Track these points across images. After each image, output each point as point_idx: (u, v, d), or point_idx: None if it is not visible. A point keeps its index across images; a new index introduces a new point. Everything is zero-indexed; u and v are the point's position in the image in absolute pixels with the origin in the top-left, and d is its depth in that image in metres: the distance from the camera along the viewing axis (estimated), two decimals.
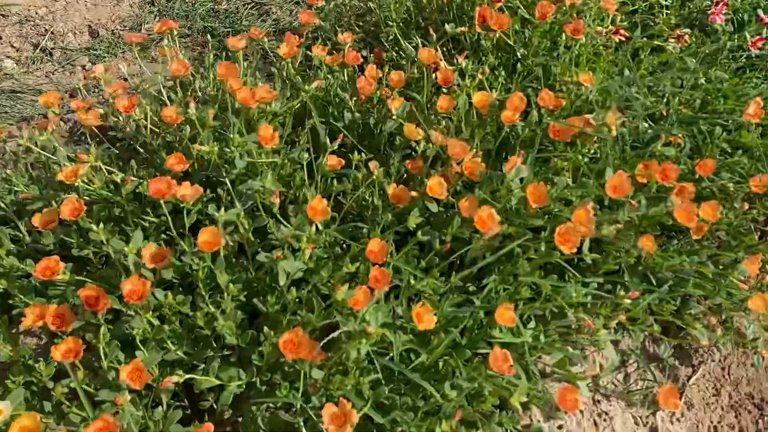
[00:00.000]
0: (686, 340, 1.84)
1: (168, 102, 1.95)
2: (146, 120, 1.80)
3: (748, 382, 1.88)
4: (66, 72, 2.80)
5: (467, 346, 1.54)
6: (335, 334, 1.28)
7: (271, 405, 1.43)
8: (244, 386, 1.43)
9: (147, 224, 1.69)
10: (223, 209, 1.44)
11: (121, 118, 1.87)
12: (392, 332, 1.43)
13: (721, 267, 1.83)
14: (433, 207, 1.62)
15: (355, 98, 1.90)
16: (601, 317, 1.62)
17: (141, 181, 1.62)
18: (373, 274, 1.39)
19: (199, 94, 2.05)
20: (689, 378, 1.86)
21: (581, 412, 1.67)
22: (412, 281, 1.44)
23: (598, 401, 1.71)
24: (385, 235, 1.59)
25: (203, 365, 1.46)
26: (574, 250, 1.49)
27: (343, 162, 1.73)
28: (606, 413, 1.69)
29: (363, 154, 1.77)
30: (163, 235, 1.72)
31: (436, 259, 1.62)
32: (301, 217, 1.48)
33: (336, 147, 1.66)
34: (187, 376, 1.30)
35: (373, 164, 1.63)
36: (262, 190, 1.51)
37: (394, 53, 2.37)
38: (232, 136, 1.56)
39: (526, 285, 1.66)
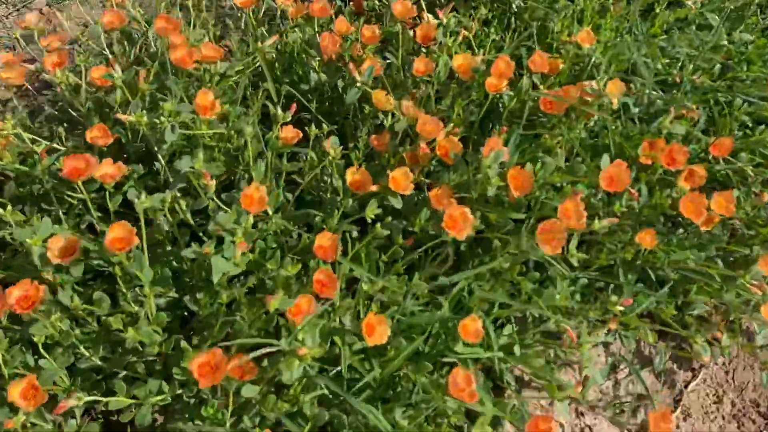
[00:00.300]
0: (685, 351, 1.63)
1: (110, 57, 1.71)
2: (81, 80, 1.56)
3: (754, 387, 1.68)
4: (22, 16, 2.54)
5: (429, 356, 1.34)
6: (257, 353, 1.07)
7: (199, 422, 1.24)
8: (170, 398, 1.24)
9: (75, 201, 1.48)
10: (144, 195, 1.22)
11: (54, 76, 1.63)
12: (341, 340, 1.24)
13: (732, 260, 1.61)
14: (397, 202, 1.39)
15: (319, 58, 1.65)
16: (586, 326, 1.41)
17: (63, 152, 1.40)
18: (317, 278, 1.18)
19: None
20: (688, 384, 1.66)
21: (561, 426, 1.48)
22: (365, 287, 1.22)
23: (582, 414, 1.51)
24: (340, 224, 1.37)
25: (125, 372, 1.27)
26: (559, 251, 1.26)
27: (301, 134, 1.50)
28: (590, 428, 1.50)
29: (325, 126, 1.54)
30: (97, 213, 1.51)
31: (401, 252, 1.41)
32: (236, 207, 1.26)
33: (290, 118, 1.42)
34: (88, 398, 1.11)
35: (328, 142, 1.39)
36: (193, 171, 1.29)
37: (376, 2, 2.09)
38: (162, 104, 1.33)
39: (505, 283, 1.45)
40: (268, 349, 1.08)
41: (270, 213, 1.43)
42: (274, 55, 1.80)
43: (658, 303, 1.45)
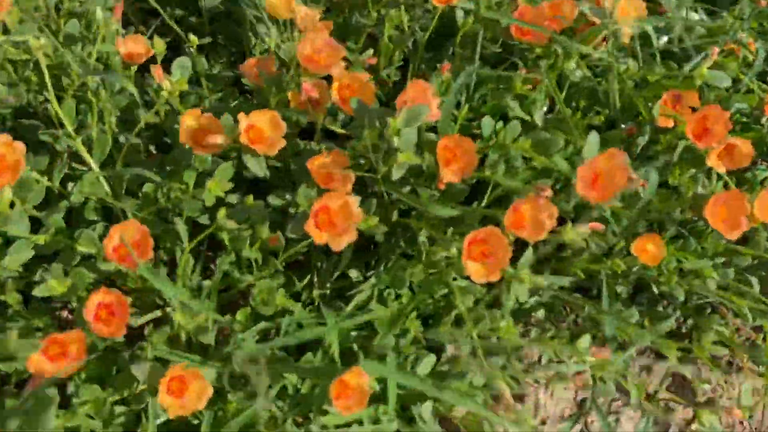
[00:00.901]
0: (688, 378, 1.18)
1: None
2: None
3: None
4: None
5: (312, 399, 0.90)
6: None
7: None
8: None
9: None
10: None
11: None
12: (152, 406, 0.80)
13: None
14: (257, 167, 0.90)
15: None
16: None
17: None
18: (99, 299, 0.72)
19: None
20: (688, 424, 1.22)
21: None
22: (177, 317, 0.76)
23: None
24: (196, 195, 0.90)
25: None
26: (497, 276, 0.79)
27: (153, 51, 1.00)
28: None
29: (193, 37, 1.05)
30: None
31: (282, 242, 0.94)
32: None
33: (115, 25, 0.93)
34: None
35: (157, 69, 0.90)
36: None
37: None
38: None
39: (438, 288, 0.99)
40: None
41: (95, 168, 0.97)
42: None
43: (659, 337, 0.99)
